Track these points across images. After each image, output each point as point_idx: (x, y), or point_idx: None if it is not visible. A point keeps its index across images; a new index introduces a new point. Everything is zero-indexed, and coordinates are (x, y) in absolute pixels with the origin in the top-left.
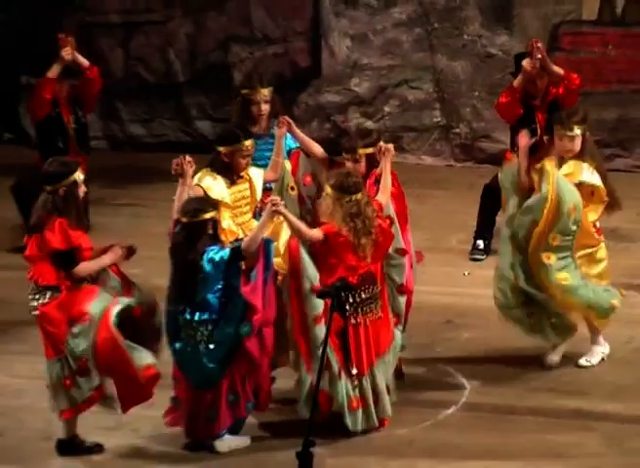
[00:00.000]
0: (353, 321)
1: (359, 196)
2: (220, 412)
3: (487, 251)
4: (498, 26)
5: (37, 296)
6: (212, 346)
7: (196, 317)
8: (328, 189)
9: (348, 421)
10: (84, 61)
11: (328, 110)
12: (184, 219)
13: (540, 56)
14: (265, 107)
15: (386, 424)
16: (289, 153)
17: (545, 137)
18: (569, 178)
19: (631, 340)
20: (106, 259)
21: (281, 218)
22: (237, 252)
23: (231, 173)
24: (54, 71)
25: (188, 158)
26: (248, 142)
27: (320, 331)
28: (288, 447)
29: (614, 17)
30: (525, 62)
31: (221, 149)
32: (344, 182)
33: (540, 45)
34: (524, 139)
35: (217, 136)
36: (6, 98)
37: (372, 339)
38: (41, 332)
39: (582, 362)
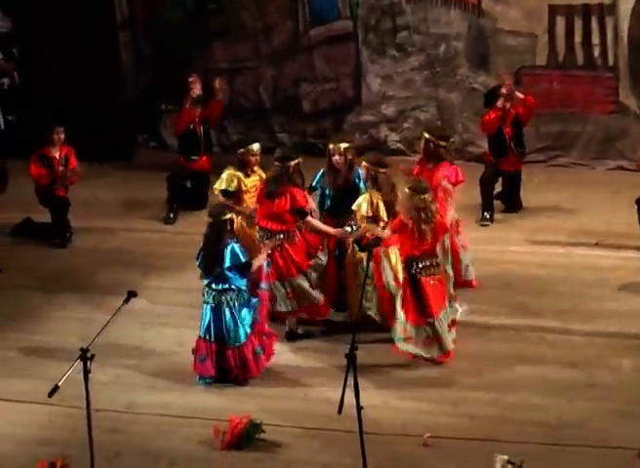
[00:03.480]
0: (419, 278)
1: (427, 196)
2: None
3: (492, 219)
4: (479, 70)
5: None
6: (238, 307)
7: (220, 287)
8: (405, 189)
9: (422, 352)
10: (218, 95)
11: (366, 126)
12: (211, 220)
13: (505, 90)
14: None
15: (451, 355)
16: None
17: (512, 144)
18: None
19: (565, 281)
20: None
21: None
22: (248, 264)
23: (246, 168)
24: (187, 103)
25: None
26: (255, 146)
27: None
28: (338, 353)
29: (557, 63)
30: (499, 102)
31: (240, 151)
32: (418, 186)
33: (510, 81)
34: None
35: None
36: (151, 119)
37: (436, 292)
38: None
39: None
